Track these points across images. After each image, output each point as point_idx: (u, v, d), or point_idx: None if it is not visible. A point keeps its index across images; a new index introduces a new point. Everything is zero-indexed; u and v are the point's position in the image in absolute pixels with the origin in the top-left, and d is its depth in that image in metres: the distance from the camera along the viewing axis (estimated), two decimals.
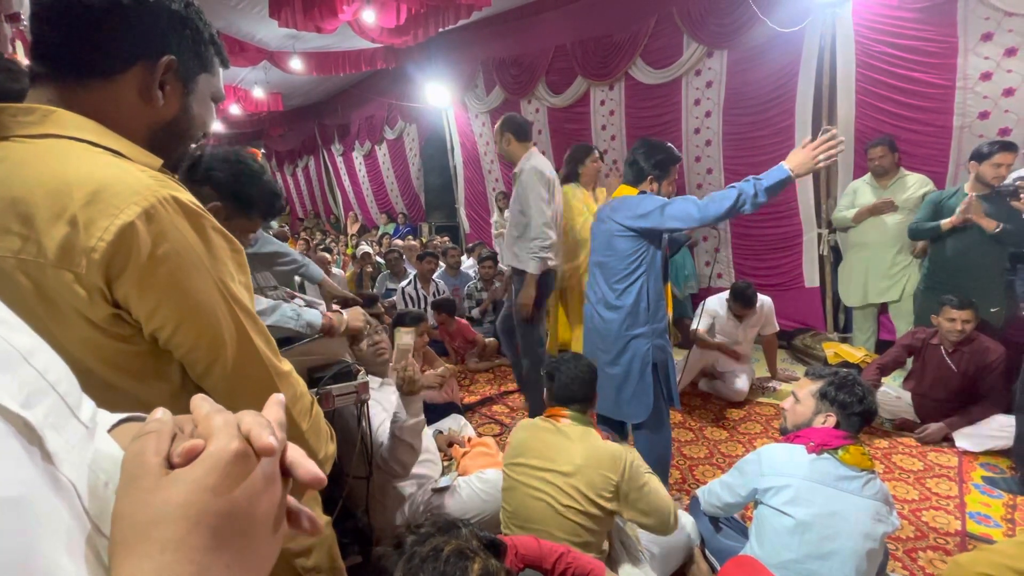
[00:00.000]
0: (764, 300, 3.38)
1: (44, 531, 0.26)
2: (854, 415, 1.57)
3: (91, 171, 0.62)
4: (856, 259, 3.50)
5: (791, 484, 1.49)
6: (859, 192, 3.42)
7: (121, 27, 0.67)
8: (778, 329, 3.46)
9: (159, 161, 0.71)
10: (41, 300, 0.62)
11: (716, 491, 1.74)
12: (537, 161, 2.62)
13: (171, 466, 0.30)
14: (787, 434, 1.67)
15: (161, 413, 0.33)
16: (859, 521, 1.42)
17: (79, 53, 0.67)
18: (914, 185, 3.21)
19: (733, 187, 1.92)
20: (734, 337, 3.36)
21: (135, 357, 0.69)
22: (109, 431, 0.39)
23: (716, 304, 3.38)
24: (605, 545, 1.63)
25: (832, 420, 1.58)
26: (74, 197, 0.60)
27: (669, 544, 1.77)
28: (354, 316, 1.75)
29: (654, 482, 1.62)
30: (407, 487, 1.87)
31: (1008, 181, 2.68)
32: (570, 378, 1.69)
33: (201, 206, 0.70)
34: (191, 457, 0.30)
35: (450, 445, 2.36)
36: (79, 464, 0.31)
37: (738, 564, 1.45)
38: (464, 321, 4.25)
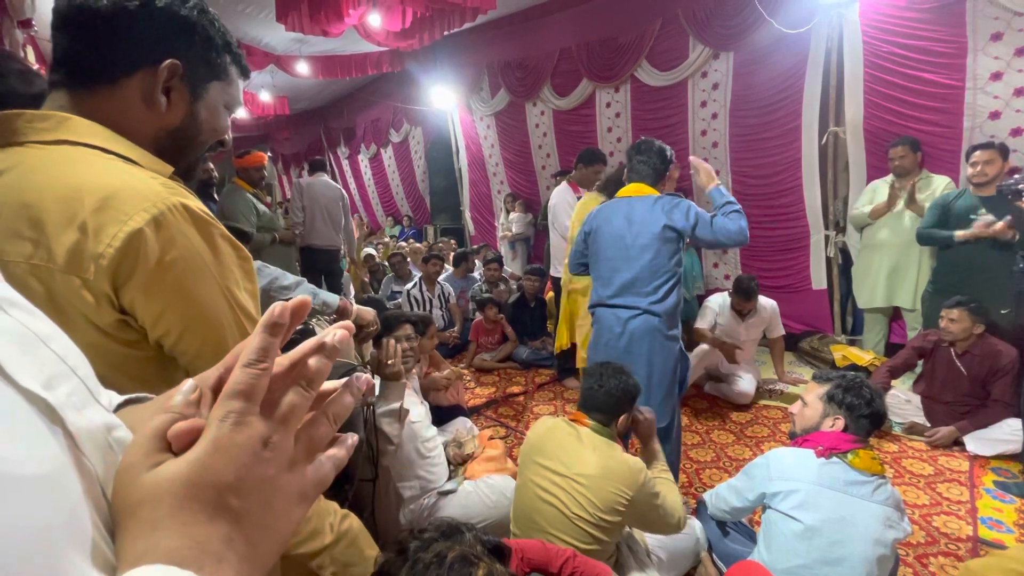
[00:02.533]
0: (768, 303, 3.38)
1: (69, 511, 0.27)
2: (863, 417, 1.55)
3: (102, 178, 0.63)
4: (870, 260, 3.47)
5: (800, 488, 1.47)
6: (879, 191, 3.39)
7: (126, 31, 0.67)
8: (784, 332, 3.44)
9: (170, 168, 0.72)
10: (51, 305, 0.62)
11: (723, 495, 1.72)
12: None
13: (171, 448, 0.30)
14: (796, 438, 1.66)
15: (190, 388, 0.32)
16: (869, 527, 1.40)
17: (87, 58, 0.67)
18: (936, 186, 3.17)
19: (731, 203, 2.08)
20: (736, 335, 3.35)
21: (141, 363, 0.69)
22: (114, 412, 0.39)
23: (718, 301, 3.38)
24: (612, 550, 1.62)
25: (840, 423, 1.56)
26: (84, 203, 0.61)
27: (676, 549, 1.76)
28: (365, 309, 1.84)
29: (665, 489, 1.61)
30: (412, 490, 1.86)
31: (1011, 181, 2.67)
32: (599, 385, 1.64)
33: (210, 214, 0.70)
34: (186, 439, 0.29)
35: (464, 461, 2.32)
36: (99, 446, 0.32)
37: (743, 569, 1.44)
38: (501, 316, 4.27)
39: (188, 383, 0.32)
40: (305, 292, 1.86)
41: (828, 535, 1.41)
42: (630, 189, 2.16)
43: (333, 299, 1.84)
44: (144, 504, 0.27)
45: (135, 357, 0.68)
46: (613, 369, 1.68)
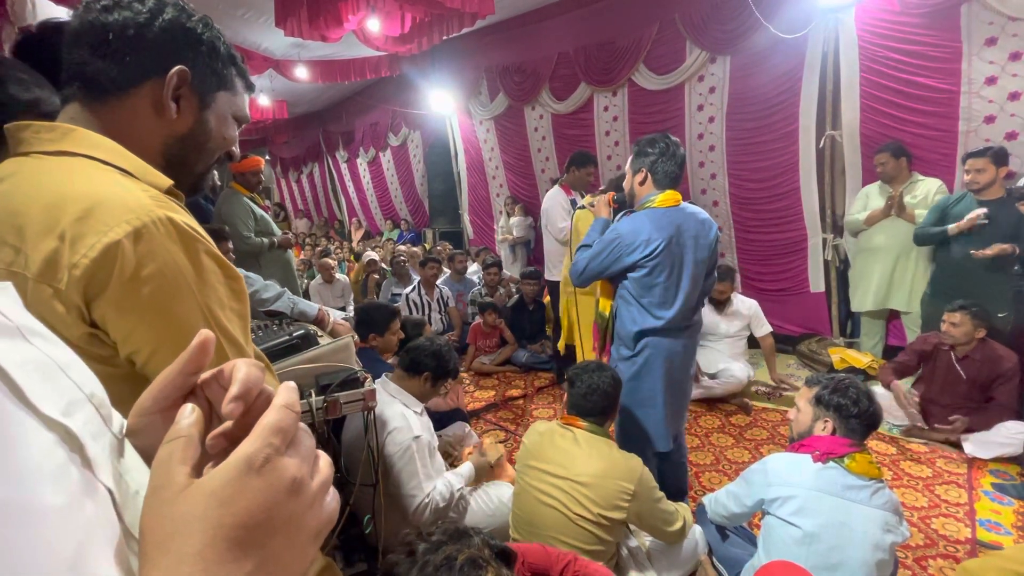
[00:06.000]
0: (748, 301, 3.47)
1: (88, 540, 0.27)
2: (852, 418, 1.53)
3: (90, 188, 0.62)
4: (866, 264, 3.50)
5: (797, 494, 1.47)
6: (871, 196, 3.42)
7: (137, 43, 0.69)
8: (771, 330, 3.46)
9: (168, 182, 0.71)
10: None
11: (722, 501, 1.72)
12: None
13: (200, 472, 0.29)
14: (793, 443, 1.65)
15: (189, 412, 0.32)
16: (867, 531, 1.40)
17: (99, 71, 0.69)
18: (926, 190, 3.20)
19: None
20: (715, 328, 3.40)
21: (115, 381, 0.66)
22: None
23: None
24: (613, 550, 1.62)
25: (830, 426, 1.55)
26: (67, 212, 0.60)
27: (677, 552, 1.76)
28: (342, 323, 1.93)
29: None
30: (414, 495, 1.87)
31: (1020, 183, 2.69)
32: (589, 389, 1.66)
33: (198, 229, 0.69)
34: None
35: (448, 456, 2.35)
36: (113, 473, 0.32)
37: (780, 568, 1.40)
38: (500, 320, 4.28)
39: (187, 407, 0.32)
40: (285, 303, 1.88)
41: (827, 540, 1.41)
42: (670, 198, 1.89)
43: (311, 310, 1.88)
44: (174, 537, 0.27)
45: (109, 375, 0.66)
46: (588, 368, 1.70)
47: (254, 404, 0.34)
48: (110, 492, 0.31)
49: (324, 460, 0.34)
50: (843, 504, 1.43)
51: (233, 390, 0.33)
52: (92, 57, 0.68)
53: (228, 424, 0.32)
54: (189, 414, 0.32)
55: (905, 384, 3.09)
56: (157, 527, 0.28)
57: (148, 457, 0.39)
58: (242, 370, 0.34)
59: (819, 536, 1.41)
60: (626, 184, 2.01)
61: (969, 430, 2.64)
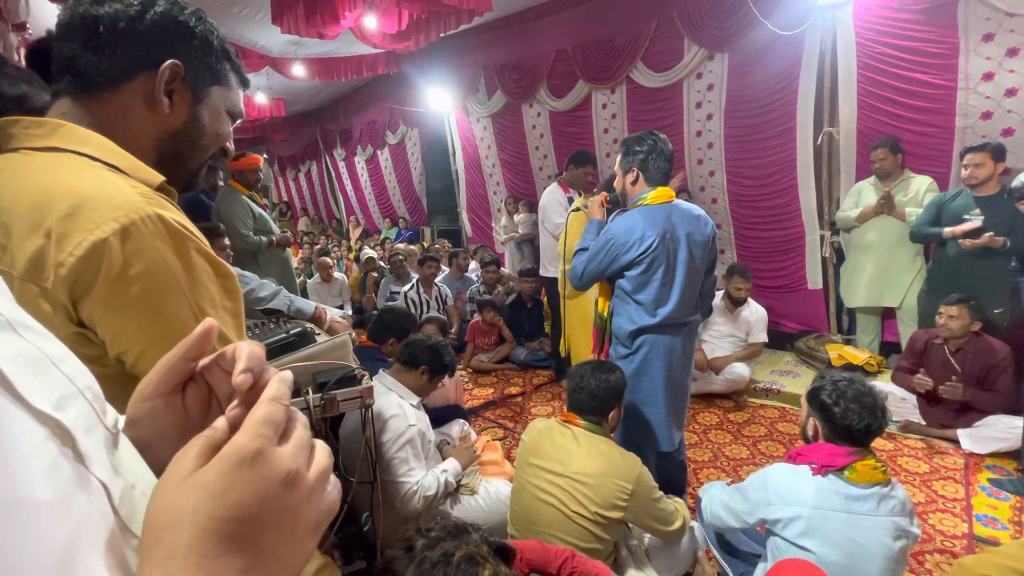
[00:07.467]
0: (760, 310, 3.49)
1: (81, 534, 0.27)
2: (833, 424, 1.41)
3: (78, 185, 0.61)
4: (857, 260, 3.51)
5: (801, 514, 1.38)
6: (863, 193, 3.43)
7: (128, 36, 0.68)
8: (766, 340, 3.49)
9: (160, 178, 0.70)
10: None
11: (719, 513, 1.61)
12: None
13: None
14: (791, 452, 1.57)
15: (222, 423, 0.32)
16: (879, 542, 1.33)
17: (90, 64, 0.68)
18: (917, 187, 3.21)
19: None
20: (721, 325, 3.42)
21: (104, 380, 0.66)
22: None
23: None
24: (611, 549, 1.62)
25: (818, 426, 1.48)
26: (54, 210, 0.59)
27: (675, 550, 1.77)
28: (339, 320, 1.94)
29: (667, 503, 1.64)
30: (403, 482, 1.87)
31: (1018, 183, 2.69)
32: (589, 386, 1.65)
33: (189, 227, 0.67)
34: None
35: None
36: (108, 466, 0.32)
37: (795, 566, 1.34)
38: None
39: (220, 420, 0.32)
40: (282, 300, 1.89)
41: (839, 560, 1.33)
42: (662, 194, 1.89)
43: (308, 307, 1.89)
44: (167, 530, 0.27)
45: (98, 374, 0.63)
46: (594, 368, 1.69)
47: (259, 383, 0.34)
48: (104, 486, 0.30)
49: (322, 450, 0.33)
50: (850, 519, 1.35)
51: (241, 364, 0.34)
52: (83, 50, 0.67)
53: (236, 412, 0.32)
54: (221, 425, 0.32)
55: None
56: (156, 518, 0.27)
57: (148, 448, 0.38)
58: (245, 348, 0.35)
59: (831, 557, 1.34)
60: (617, 184, 2.02)
61: (970, 408, 2.65)
